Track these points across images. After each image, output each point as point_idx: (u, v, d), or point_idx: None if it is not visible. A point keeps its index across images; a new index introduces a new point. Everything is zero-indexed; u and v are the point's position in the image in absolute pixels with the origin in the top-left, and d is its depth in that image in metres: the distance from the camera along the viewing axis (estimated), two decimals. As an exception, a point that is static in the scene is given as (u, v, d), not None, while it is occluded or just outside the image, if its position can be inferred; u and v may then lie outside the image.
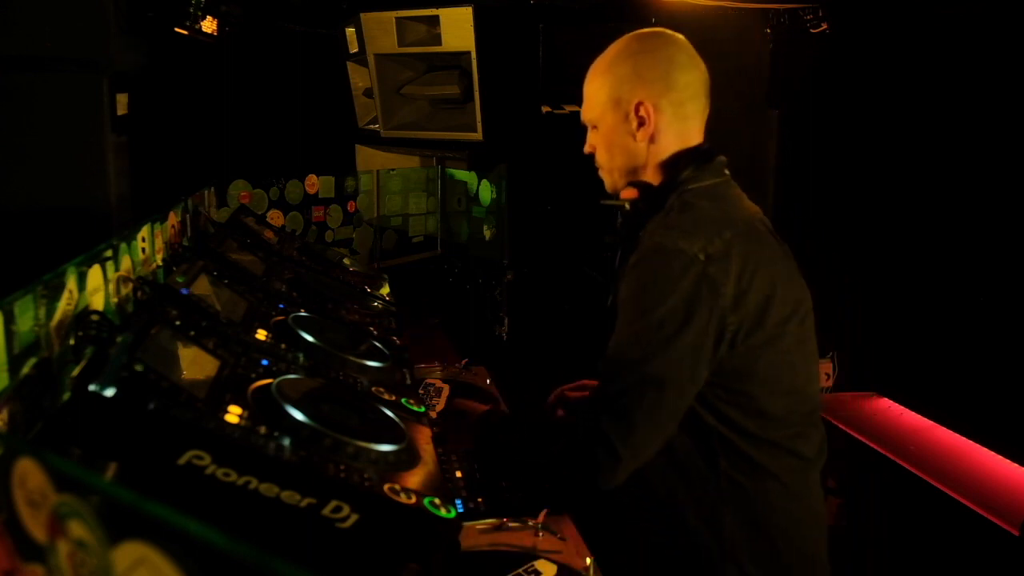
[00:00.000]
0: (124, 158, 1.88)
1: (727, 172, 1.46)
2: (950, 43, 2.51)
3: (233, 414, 0.97)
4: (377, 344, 1.56)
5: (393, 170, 3.60)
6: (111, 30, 1.68)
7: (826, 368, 3.03)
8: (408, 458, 1.07)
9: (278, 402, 1.04)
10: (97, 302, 1.22)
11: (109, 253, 1.29)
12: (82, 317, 1.13)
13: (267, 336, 1.34)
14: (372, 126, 3.36)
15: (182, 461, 0.87)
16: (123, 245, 1.38)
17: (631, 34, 1.46)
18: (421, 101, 3.23)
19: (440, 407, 2.26)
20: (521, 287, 3.35)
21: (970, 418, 2.49)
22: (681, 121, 1.42)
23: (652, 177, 1.45)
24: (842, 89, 2.84)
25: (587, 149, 1.51)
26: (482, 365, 2.62)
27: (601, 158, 1.49)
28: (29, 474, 0.65)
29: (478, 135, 3.01)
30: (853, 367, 3.02)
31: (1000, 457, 2.36)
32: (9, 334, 0.94)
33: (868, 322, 2.94)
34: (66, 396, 1.06)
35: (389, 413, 1.21)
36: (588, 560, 1.53)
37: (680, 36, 1.46)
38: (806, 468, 1.42)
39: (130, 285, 1.38)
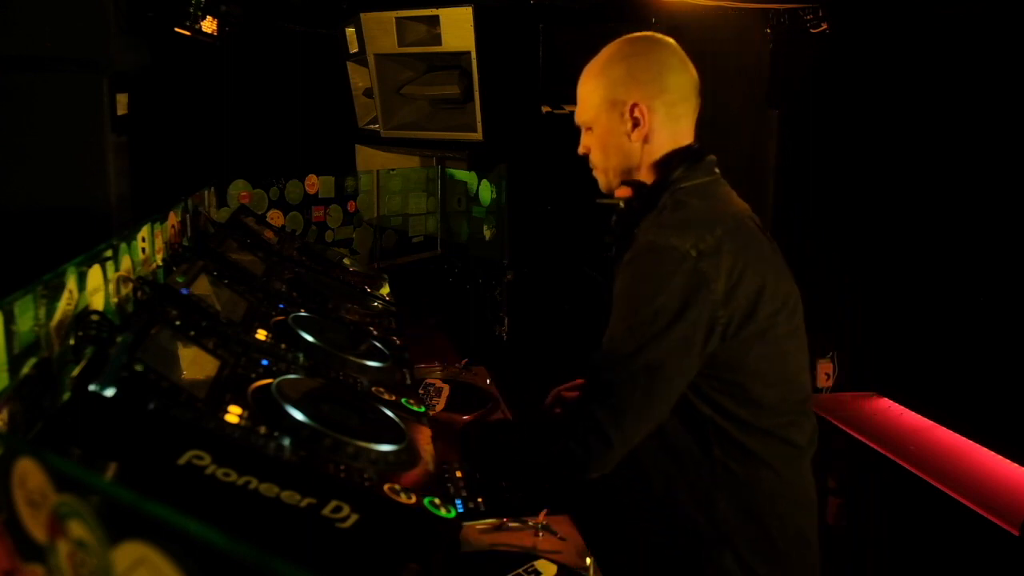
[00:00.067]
0: (124, 158, 1.88)
1: (717, 171, 1.50)
2: (950, 43, 2.51)
3: (233, 414, 0.97)
4: (377, 344, 1.56)
5: (393, 170, 3.60)
6: (111, 30, 1.68)
7: (826, 368, 3.03)
8: (408, 458, 1.07)
9: (278, 402, 1.04)
10: (97, 302, 1.22)
11: (109, 253, 1.29)
12: (82, 317, 1.13)
13: (267, 336, 1.34)
14: (372, 126, 3.36)
15: (182, 461, 0.87)
16: (123, 245, 1.38)
17: (623, 38, 1.50)
18: (421, 101, 3.23)
19: (440, 407, 2.26)
20: (521, 287, 3.35)
21: (970, 418, 2.49)
22: (674, 121, 1.47)
23: (646, 176, 1.49)
24: (842, 89, 2.84)
25: (581, 150, 1.55)
26: (482, 365, 2.62)
27: (596, 158, 1.53)
28: (29, 474, 0.65)
29: (478, 135, 3.01)
30: (853, 367, 3.02)
31: (1000, 457, 2.36)
32: (9, 334, 0.94)
33: (868, 322, 2.94)
34: (66, 396, 1.06)
35: (389, 413, 1.21)
36: (588, 560, 1.54)
37: (670, 39, 1.50)
38: (798, 456, 1.46)
39: (130, 285, 1.38)
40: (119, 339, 1.00)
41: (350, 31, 3.22)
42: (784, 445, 1.42)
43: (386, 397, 1.30)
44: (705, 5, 2.68)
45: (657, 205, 1.43)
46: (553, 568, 1.51)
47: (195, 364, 1.07)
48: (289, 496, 0.89)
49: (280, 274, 1.81)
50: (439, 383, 2.42)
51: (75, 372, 1.08)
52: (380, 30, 3.03)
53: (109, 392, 0.86)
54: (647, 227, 1.41)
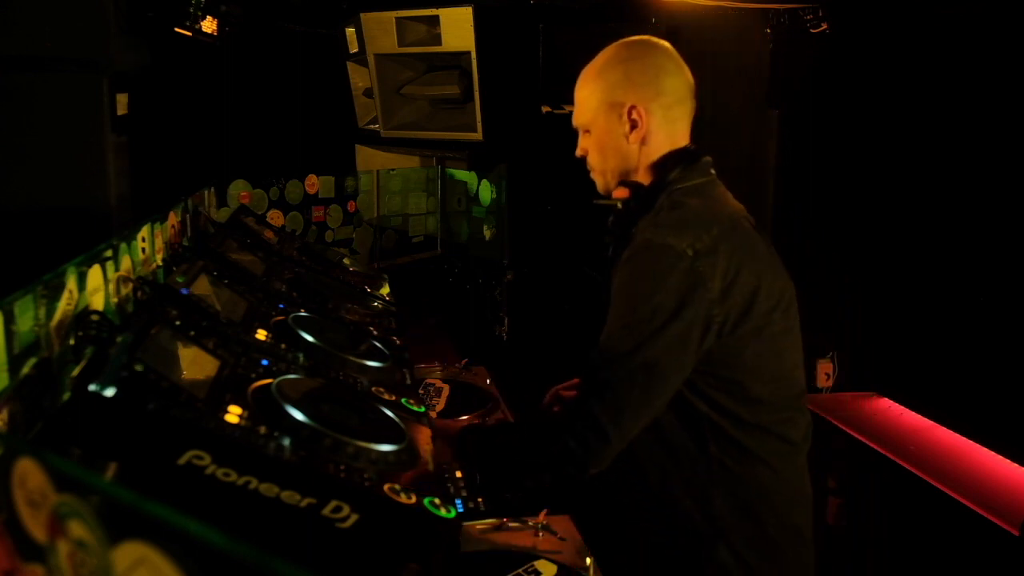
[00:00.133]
0: (124, 158, 1.88)
1: (712, 172, 1.52)
2: (950, 43, 2.51)
3: (233, 414, 0.97)
4: (377, 344, 1.56)
5: (393, 170, 3.60)
6: (111, 30, 1.68)
7: (826, 368, 3.03)
8: (408, 458, 1.07)
9: (278, 402, 1.04)
10: (97, 302, 1.22)
11: (109, 253, 1.29)
12: (82, 317, 1.13)
13: (267, 336, 1.34)
14: (372, 126, 3.36)
15: (182, 461, 0.87)
16: (123, 245, 1.38)
17: (619, 42, 1.53)
18: (421, 101, 3.23)
19: (440, 407, 2.26)
20: (521, 287, 3.35)
21: (970, 418, 2.49)
22: (670, 123, 1.49)
23: (643, 177, 1.52)
24: (842, 89, 2.84)
25: (579, 152, 1.57)
26: (482, 365, 2.62)
27: (594, 160, 1.55)
28: (29, 474, 0.65)
29: (478, 135, 3.01)
30: (853, 367, 3.02)
31: (1000, 457, 2.36)
32: (9, 334, 0.94)
33: (868, 322, 2.94)
34: (66, 396, 1.06)
35: (389, 413, 1.21)
36: (588, 560, 1.54)
37: (666, 43, 1.53)
38: (794, 452, 1.49)
39: (130, 285, 1.38)
40: (119, 339, 1.00)
41: (350, 31, 3.22)
42: (780, 442, 1.44)
43: (386, 397, 1.30)
44: (705, 5, 2.68)
45: (654, 206, 1.46)
46: (553, 568, 1.51)
47: (195, 364, 1.07)
48: (289, 496, 0.89)
49: (280, 274, 1.81)
50: (439, 383, 2.42)
51: (75, 372, 1.08)
52: (380, 30, 3.03)
53: (109, 392, 0.86)
54: (644, 227, 1.43)
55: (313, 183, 3.23)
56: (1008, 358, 2.35)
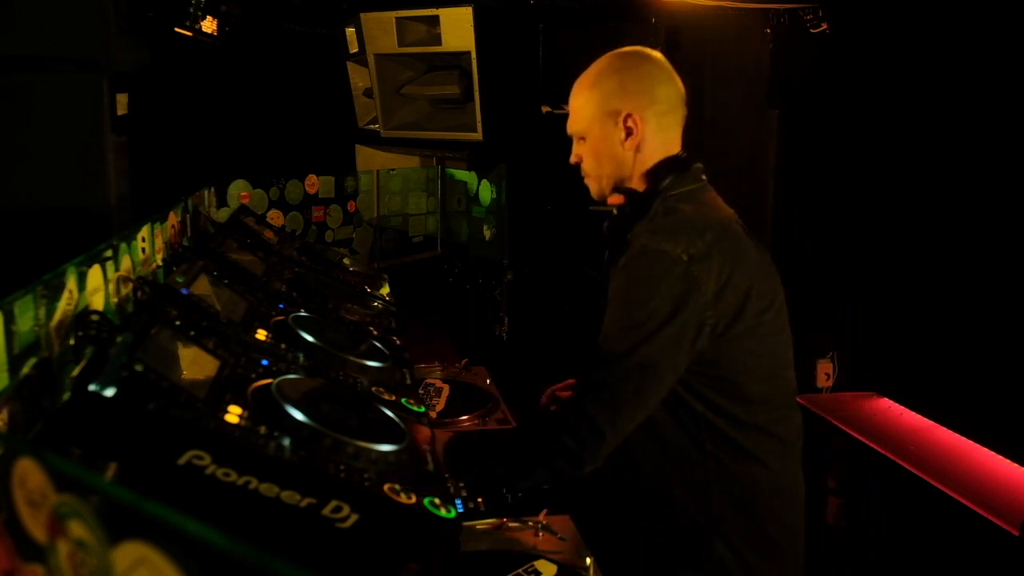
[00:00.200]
0: (124, 158, 1.88)
1: (703, 177, 1.57)
2: (950, 43, 2.51)
3: (233, 414, 0.97)
4: (377, 344, 1.56)
5: (393, 170, 3.60)
6: (111, 30, 1.68)
7: (826, 368, 3.03)
8: (408, 458, 1.07)
9: (278, 402, 1.04)
10: (97, 302, 1.22)
11: (109, 253, 1.29)
12: (82, 317, 1.13)
13: (267, 336, 1.34)
14: (372, 126, 3.36)
15: (182, 461, 0.87)
16: (123, 245, 1.38)
17: (612, 53, 1.58)
18: (421, 101, 3.23)
19: (440, 407, 2.26)
20: (521, 287, 3.35)
21: (970, 418, 2.49)
22: (663, 131, 1.54)
23: (637, 184, 1.55)
24: (842, 89, 2.84)
25: (573, 159, 1.61)
26: (482, 365, 2.62)
27: (589, 167, 1.59)
28: (29, 474, 0.65)
29: (478, 135, 3.01)
30: (853, 367, 3.02)
31: (1000, 457, 2.36)
32: (9, 334, 0.94)
33: (868, 322, 2.94)
34: (66, 396, 1.06)
35: (389, 413, 1.21)
36: (588, 560, 1.54)
37: (657, 53, 1.58)
38: (788, 451, 1.53)
39: (130, 285, 1.38)
40: (119, 339, 1.00)
41: (350, 31, 3.22)
42: (775, 440, 1.48)
43: (386, 397, 1.30)
44: (705, 5, 2.68)
45: (649, 212, 1.50)
46: (553, 568, 1.51)
47: (195, 364, 1.07)
48: (289, 496, 0.89)
49: (280, 274, 1.81)
50: (439, 383, 2.42)
51: (75, 372, 1.08)
52: (380, 30, 3.03)
53: (109, 392, 0.86)
54: (640, 232, 1.46)
55: (313, 183, 3.23)
56: (1008, 358, 2.35)
